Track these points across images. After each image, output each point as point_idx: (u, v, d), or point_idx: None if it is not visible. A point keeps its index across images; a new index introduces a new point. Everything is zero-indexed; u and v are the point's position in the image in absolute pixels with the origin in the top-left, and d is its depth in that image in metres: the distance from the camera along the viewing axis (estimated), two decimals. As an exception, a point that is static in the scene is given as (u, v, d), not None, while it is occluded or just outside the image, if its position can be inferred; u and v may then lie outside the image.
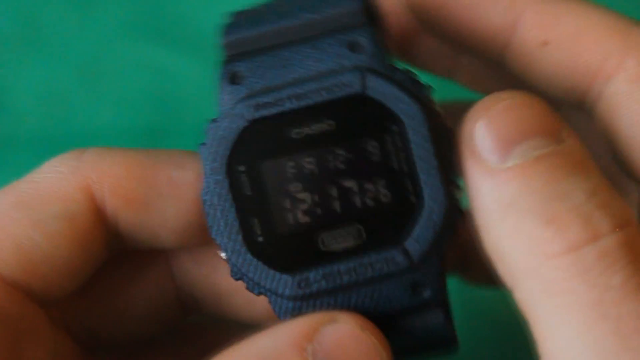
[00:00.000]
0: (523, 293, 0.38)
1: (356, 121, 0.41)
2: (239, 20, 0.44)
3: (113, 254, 0.47)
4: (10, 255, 0.43)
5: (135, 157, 0.46)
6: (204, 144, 0.42)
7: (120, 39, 0.71)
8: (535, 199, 0.38)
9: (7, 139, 0.70)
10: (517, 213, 0.38)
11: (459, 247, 0.50)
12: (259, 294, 0.42)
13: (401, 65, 0.43)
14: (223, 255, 0.42)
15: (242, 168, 0.42)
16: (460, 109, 0.49)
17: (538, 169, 0.38)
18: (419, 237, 0.41)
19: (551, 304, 0.37)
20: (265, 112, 0.41)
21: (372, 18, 0.43)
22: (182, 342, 0.42)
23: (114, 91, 0.70)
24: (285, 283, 0.41)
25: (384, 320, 0.42)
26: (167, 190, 0.45)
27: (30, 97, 0.70)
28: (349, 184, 0.41)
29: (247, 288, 0.42)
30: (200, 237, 0.46)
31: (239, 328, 0.46)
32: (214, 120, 0.42)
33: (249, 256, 0.42)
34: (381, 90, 0.41)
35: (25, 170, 0.47)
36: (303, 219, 0.41)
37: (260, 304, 0.44)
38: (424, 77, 0.43)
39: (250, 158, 0.42)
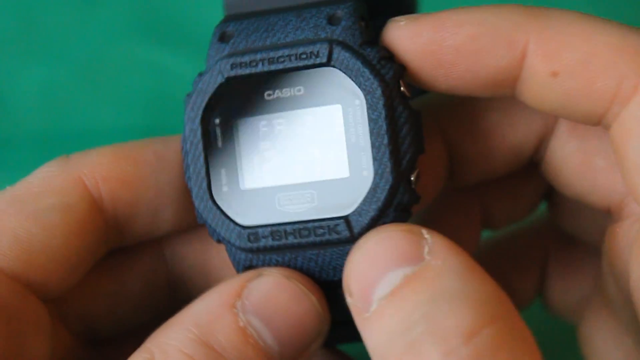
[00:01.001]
0: None
1: (323, 91, 0.43)
2: None
3: (113, 247, 0.48)
4: (9, 248, 0.44)
5: (117, 146, 0.47)
6: (189, 94, 0.44)
7: (120, 39, 0.71)
8: (385, 345, 0.38)
9: (7, 139, 0.70)
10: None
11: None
12: (218, 241, 0.44)
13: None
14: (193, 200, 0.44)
15: (217, 121, 0.44)
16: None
17: (387, 312, 0.38)
18: (362, 210, 0.42)
19: None
20: (240, 71, 0.43)
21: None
22: None
23: (114, 91, 0.70)
24: (237, 234, 0.43)
25: (330, 289, 0.43)
26: (156, 163, 0.47)
27: (30, 97, 0.70)
28: (312, 150, 0.43)
29: (209, 233, 0.44)
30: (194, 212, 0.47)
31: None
32: (199, 74, 0.44)
33: (209, 203, 0.44)
34: (346, 63, 0.43)
35: (25, 170, 0.48)
36: (266, 177, 0.44)
37: None
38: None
39: (225, 112, 0.44)
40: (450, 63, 0.43)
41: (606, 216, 0.49)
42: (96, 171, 0.46)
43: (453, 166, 0.49)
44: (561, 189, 0.48)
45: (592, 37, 0.41)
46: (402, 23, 0.43)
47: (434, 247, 0.39)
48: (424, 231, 0.40)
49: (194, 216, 0.49)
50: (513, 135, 0.48)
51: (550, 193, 0.53)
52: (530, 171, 0.51)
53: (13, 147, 0.69)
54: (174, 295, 0.51)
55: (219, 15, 0.46)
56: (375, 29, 0.44)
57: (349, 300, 0.40)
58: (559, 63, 0.42)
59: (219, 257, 0.50)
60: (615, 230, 0.46)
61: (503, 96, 0.45)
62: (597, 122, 0.43)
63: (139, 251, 0.50)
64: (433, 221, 0.51)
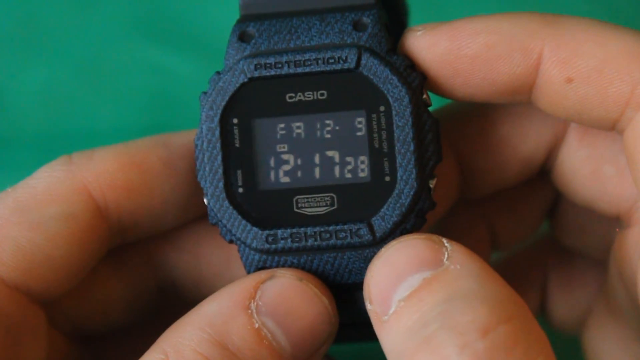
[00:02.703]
0: None
1: (347, 95, 0.43)
2: None
3: (113, 247, 0.48)
4: (10, 257, 0.44)
5: (121, 150, 0.47)
6: (205, 92, 0.44)
7: (120, 39, 0.71)
8: (401, 343, 0.39)
9: (7, 139, 0.70)
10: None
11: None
12: (230, 241, 0.44)
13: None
14: (205, 200, 0.44)
15: (235, 121, 0.44)
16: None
17: (404, 313, 0.39)
18: (385, 215, 0.43)
19: None
20: (264, 72, 0.44)
21: (384, 2, 0.45)
22: (162, 326, 0.43)
23: (114, 91, 0.70)
24: (254, 235, 0.44)
25: (342, 291, 0.44)
26: (161, 169, 0.47)
27: (30, 97, 0.70)
28: (332, 153, 0.44)
29: (221, 234, 0.44)
30: (197, 211, 0.48)
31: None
32: (217, 73, 0.44)
33: (226, 203, 0.44)
34: (374, 69, 0.43)
35: (25, 170, 0.48)
36: (283, 178, 0.44)
37: None
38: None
39: (244, 113, 0.44)
40: (467, 71, 0.43)
41: (609, 228, 0.49)
42: (101, 179, 0.46)
43: (465, 178, 0.49)
44: (571, 197, 0.49)
45: (606, 44, 0.42)
46: (419, 33, 0.44)
47: (453, 253, 0.40)
48: (444, 240, 0.41)
49: (193, 217, 0.49)
50: (524, 145, 0.48)
51: (553, 210, 0.54)
52: (534, 189, 0.52)
53: (13, 147, 0.69)
54: (165, 298, 0.51)
55: (219, 15, 0.46)
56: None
57: (369, 307, 0.41)
58: (574, 69, 0.42)
59: (207, 267, 0.50)
60: (624, 237, 0.46)
61: (519, 102, 0.45)
62: (611, 127, 0.43)
63: (127, 258, 0.50)
64: None
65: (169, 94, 0.70)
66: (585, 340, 0.53)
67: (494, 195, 0.51)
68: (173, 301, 0.51)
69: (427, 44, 0.44)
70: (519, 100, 0.45)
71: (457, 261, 0.40)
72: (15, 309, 0.44)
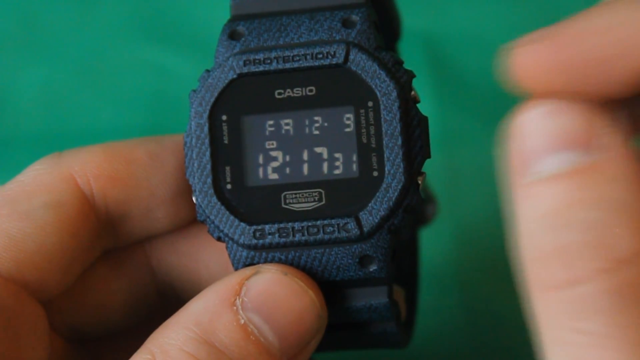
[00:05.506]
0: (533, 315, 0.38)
1: (336, 91, 0.43)
2: None
3: (108, 246, 0.48)
4: (4, 249, 0.44)
5: (110, 145, 0.47)
6: (194, 90, 0.44)
7: (120, 39, 0.71)
8: (534, 227, 0.36)
9: (7, 139, 0.70)
10: (523, 235, 0.37)
11: None
12: (219, 238, 0.44)
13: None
14: (194, 197, 0.44)
15: (224, 117, 0.44)
16: None
17: (547, 192, 0.36)
18: (372, 209, 0.43)
19: (543, 334, 0.37)
20: (253, 68, 0.44)
21: (374, 3, 0.45)
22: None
23: (114, 91, 0.70)
24: (242, 231, 0.43)
25: (331, 289, 0.44)
26: (148, 162, 0.47)
27: (30, 97, 0.70)
28: (320, 150, 0.44)
29: (209, 231, 0.44)
30: (190, 211, 0.48)
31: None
32: (207, 71, 0.44)
33: (214, 199, 0.44)
34: (362, 64, 0.43)
35: (25, 170, 0.48)
36: (272, 175, 0.44)
37: None
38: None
39: (233, 109, 0.44)
40: (595, 71, 0.37)
41: None
42: (87, 169, 0.46)
43: None
44: None
45: None
46: (531, 46, 0.37)
47: (605, 144, 0.35)
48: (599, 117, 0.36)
49: (186, 218, 0.49)
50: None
51: None
52: None
53: (13, 147, 0.70)
54: (165, 300, 0.51)
55: (219, 15, 0.46)
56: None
57: (509, 149, 0.36)
58: None
59: (206, 269, 0.50)
60: None
61: None
62: None
63: (125, 261, 0.50)
64: None
65: (169, 94, 0.70)
66: None
67: None
68: (173, 304, 0.51)
69: (549, 53, 0.37)
70: None
71: (612, 157, 0.35)
72: (14, 301, 0.44)
